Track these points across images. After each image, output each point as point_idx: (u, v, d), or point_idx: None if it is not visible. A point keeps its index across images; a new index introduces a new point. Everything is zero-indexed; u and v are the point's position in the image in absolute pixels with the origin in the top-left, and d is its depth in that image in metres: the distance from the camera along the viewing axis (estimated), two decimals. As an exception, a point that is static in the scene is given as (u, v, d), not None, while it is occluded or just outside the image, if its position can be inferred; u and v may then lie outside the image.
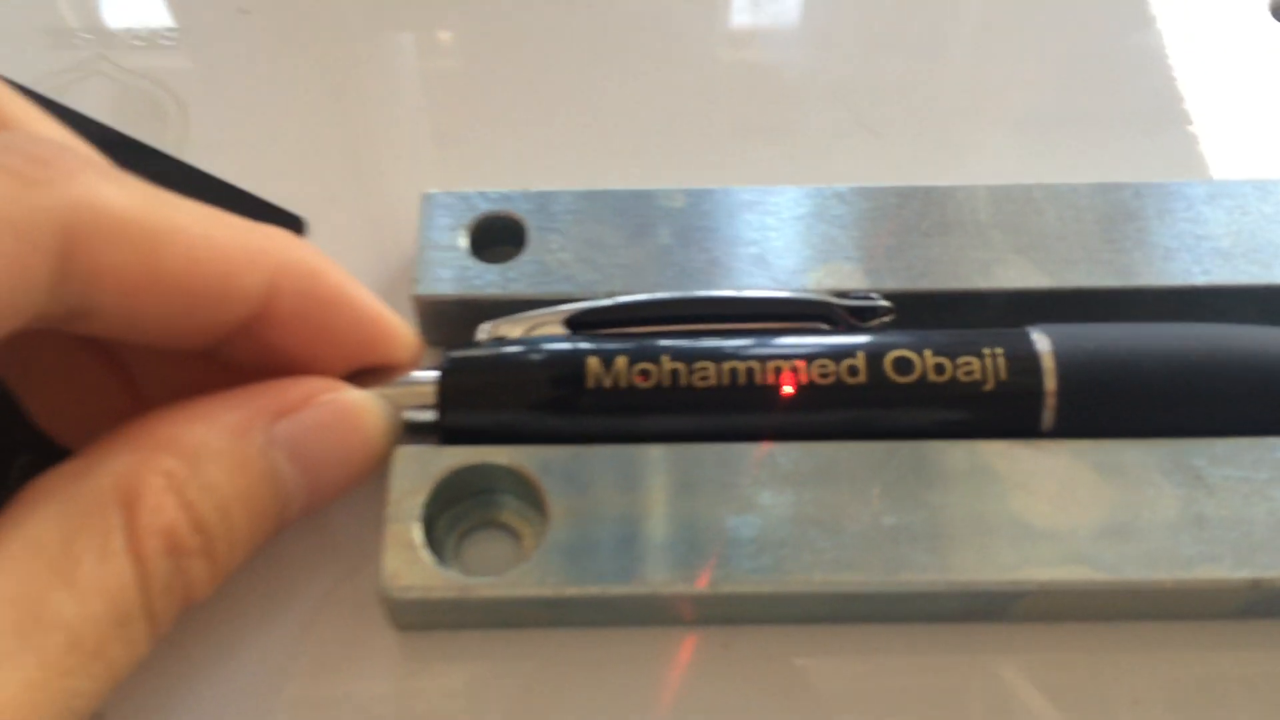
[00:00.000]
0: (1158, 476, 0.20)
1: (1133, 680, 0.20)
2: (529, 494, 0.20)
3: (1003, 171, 0.27)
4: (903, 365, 0.20)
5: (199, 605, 0.17)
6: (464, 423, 0.20)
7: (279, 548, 0.20)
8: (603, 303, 0.22)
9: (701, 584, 0.19)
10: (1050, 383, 0.20)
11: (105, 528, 0.15)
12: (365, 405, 0.19)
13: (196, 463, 0.16)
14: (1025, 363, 0.20)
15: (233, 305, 0.17)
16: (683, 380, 0.20)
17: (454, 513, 0.21)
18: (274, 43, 0.30)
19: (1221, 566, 0.19)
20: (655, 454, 0.20)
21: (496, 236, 0.24)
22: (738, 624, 0.20)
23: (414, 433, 0.20)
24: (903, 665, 0.20)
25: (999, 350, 0.21)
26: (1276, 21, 0.31)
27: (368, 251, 0.25)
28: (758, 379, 0.20)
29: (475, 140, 0.28)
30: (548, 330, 0.21)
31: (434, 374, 0.20)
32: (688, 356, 0.20)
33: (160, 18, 0.30)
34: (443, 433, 0.20)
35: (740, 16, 0.32)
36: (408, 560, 0.19)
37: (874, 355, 0.20)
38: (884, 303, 0.22)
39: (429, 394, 0.20)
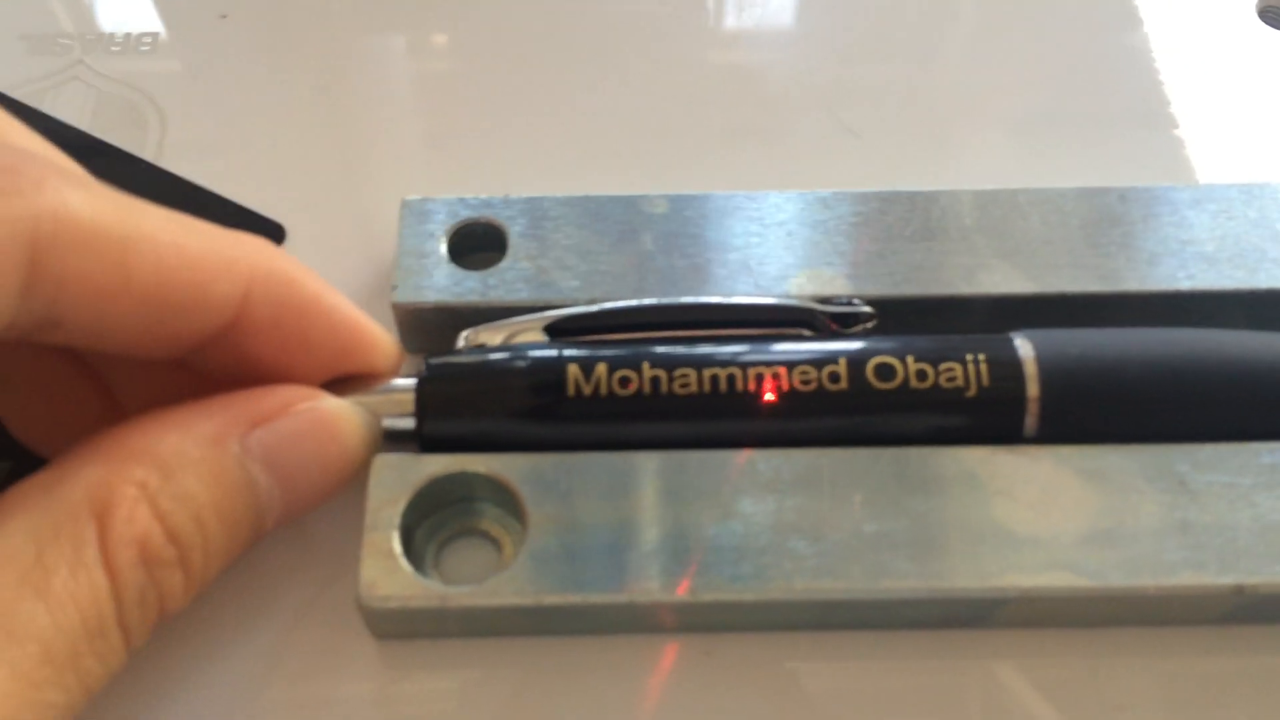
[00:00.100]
0: (1141, 482, 0.20)
1: (1117, 686, 0.20)
2: (509, 502, 0.20)
3: (988, 175, 0.27)
4: (885, 371, 0.20)
5: (175, 616, 0.17)
6: (443, 431, 0.20)
7: (257, 557, 0.20)
8: (584, 309, 0.22)
9: (681, 592, 0.19)
10: (1033, 388, 0.20)
11: (78, 539, 0.15)
12: (343, 413, 0.19)
13: (170, 473, 0.16)
14: (1008, 368, 0.20)
15: (206, 314, 0.17)
16: (664, 388, 0.20)
17: (433, 521, 0.20)
18: (253, 48, 0.30)
19: (1205, 572, 0.19)
20: (636, 462, 0.20)
21: (477, 243, 0.24)
22: (719, 631, 0.20)
23: (393, 441, 0.20)
24: (885, 671, 0.20)
25: (982, 356, 0.20)
26: (1263, 25, 0.31)
27: (348, 258, 0.25)
28: (739, 386, 0.20)
29: (456, 146, 0.28)
30: (528, 337, 0.21)
31: (413, 382, 0.20)
32: (669, 364, 0.20)
33: (139, 23, 0.30)
34: (422, 441, 0.20)
35: (723, 21, 0.32)
36: (386, 569, 0.19)
37: (856, 362, 0.20)
38: (866, 309, 0.22)
39: (408, 402, 0.20)
